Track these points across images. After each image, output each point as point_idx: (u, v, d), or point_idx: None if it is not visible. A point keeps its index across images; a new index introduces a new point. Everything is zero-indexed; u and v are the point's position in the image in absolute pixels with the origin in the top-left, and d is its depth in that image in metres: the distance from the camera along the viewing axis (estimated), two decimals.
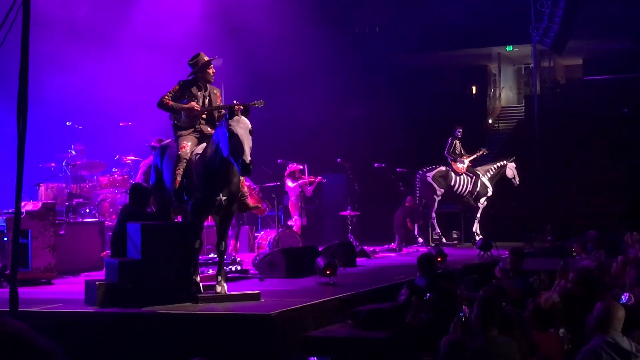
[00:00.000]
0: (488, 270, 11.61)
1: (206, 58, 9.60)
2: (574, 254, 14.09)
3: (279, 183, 15.16)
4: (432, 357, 6.28)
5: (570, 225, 19.00)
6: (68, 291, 10.45)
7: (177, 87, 9.52)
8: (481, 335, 5.63)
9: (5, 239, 11.85)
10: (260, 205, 12.55)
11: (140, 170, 13.85)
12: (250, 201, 9.83)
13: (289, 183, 16.19)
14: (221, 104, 9.75)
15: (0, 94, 12.60)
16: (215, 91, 9.77)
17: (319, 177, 16.74)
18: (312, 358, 4.72)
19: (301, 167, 16.45)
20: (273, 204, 14.70)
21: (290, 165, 16.31)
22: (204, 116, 9.54)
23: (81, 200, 14.26)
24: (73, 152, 15.52)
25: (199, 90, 9.56)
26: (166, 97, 9.42)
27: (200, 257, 9.74)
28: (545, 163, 25.04)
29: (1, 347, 1.42)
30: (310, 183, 16.44)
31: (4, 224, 11.96)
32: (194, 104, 9.42)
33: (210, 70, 9.61)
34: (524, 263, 10.25)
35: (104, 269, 10.07)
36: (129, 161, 15.71)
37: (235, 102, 9.03)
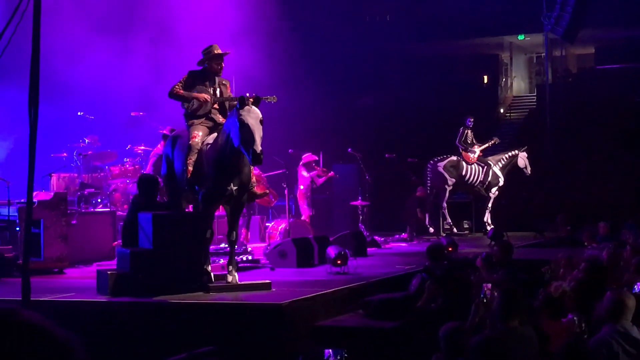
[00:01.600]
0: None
1: (217, 51, 9.61)
2: (585, 244, 14.05)
3: (287, 171, 15.13)
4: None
5: (582, 215, 18.94)
6: (80, 281, 10.50)
7: (187, 77, 9.57)
8: (501, 325, 5.63)
9: (18, 228, 11.90)
10: (267, 193, 12.54)
11: (150, 161, 13.87)
12: (258, 190, 9.84)
13: (303, 173, 16.18)
14: (231, 96, 9.78)
15: (13, 84, 12.62)
16: (224, 82, 9.81)
17: (331, 172, 16.73)
18: (327, 350, 4.71)
19: (316, 157, 16.45)
20: (283, 193, 14.71)
21: (306, 155, 16.29)
22: (216, 106, 9.57)
23: (93, 190, 14.30)
24: (85, 142, 15.56)
25: (209, 81, 9.59)
26: (177, 87, 9.46)
27: (211, 246, 9.77)
28: (556, 153, 24.96)
29: (17, 337, 1.43)
30: (320, 176, 16.42)
31: (16, 214, 12.02)
32: (205, 95, 9.45)
33: (218, 66, 9.62)
34: (512, 255, 10.18)
35: (116, 259, 10.12)
36: (140, 151, 15.73)
37: (247, 94, 9.06)
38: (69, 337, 1.52)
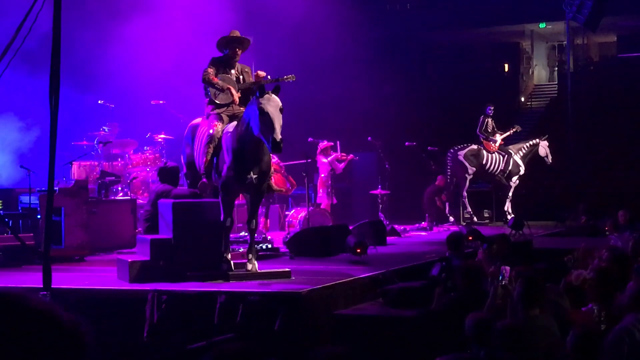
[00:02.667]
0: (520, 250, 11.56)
1: (236, 34, 9.64)
2: (607, 233, 13.97)
3: (309, 160, 15.12)
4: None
5: (603, 204, 18.81)
6: (100, 268, 10.55)
7: (212, 64, 9.61)
8: (522, 313, 5.61)
9: (39, 216, 11.97)
10: (283, 188, 12.48)
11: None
12: (275, 181, 9.82)
13: (323, 160, 16.16)
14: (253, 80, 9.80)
15: (39, 73, 12.65)
16: (246, 69, 9.82)
17: (351, 155, 16.68)
18: None
19: (332, 143, 16.41)
20: (303, 182, 14.69)
21: (322, 142, 16.27)
22: (239, 96, 9.60)
23: (113, 178, 14.35)
24: (105, 130, 15.62)
25: (230, 68, 9.62)
26: (211, 73, 9.49)
27: (231, 235, 9.78)
28: (578, 141, 24.79)
29: (25, 324, 1.43)
30: (340, 160, 16.39)
31: (38, 202, 12.09)
32: (234, 92, 9.48)
33: (239, 49, 9.64)
34: (510, 247, 10.12)
35: (136, 246, 10.16)
36: (160, 139, 15.79)
37: (268, 76, 9.08)
38: (77, 322, 1.52)
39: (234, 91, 9.50)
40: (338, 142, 16.62)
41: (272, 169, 9.54)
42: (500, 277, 6.91)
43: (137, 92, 17.35)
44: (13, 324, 1.40)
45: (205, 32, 16.04)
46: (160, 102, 16.45)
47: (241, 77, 9.67)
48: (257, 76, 9.73)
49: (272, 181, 9.52)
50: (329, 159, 16.09)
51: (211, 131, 9.19)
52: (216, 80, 9.49)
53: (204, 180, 9.55)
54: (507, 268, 6.99)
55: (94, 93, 16.37)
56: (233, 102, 9.49)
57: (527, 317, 5.58)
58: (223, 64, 9.65)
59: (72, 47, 13.90)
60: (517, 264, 7.91)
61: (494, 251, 9.68)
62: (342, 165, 16.41)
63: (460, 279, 8.14)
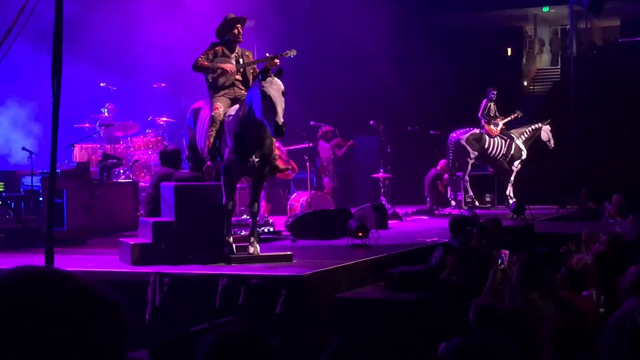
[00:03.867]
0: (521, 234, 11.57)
1: (233, 16, 9.61)
2: (608, 217, 13.98)
3: (311, 145, 15.12)
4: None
5: (605, 189, 18.81)
6: (103, 251, 10.57)
7: (209, 48, 9.58)
8: (520, 297, 5.62)
9: (41, 199, 11.98)
10: (288, 168, 12.50)
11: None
12: (280, 164, 9.84)
13: (323, 144, 16.16)
14: (254, 59, 9.80)
15: (40, 53, 12.63)
16: (247, 53, 9.80)
17: (350, 141, 16.68)
18: None
19: (333, 128, 16.41)
20: (305, 166, 14.69)
21: (322, 127, 16.27)
22: (239, 78, 9.57)
23: (115, 161, 14.36)
24: (107, 112, 15.61)
25: (231, 52, 9.60)
26: (201, 59, 9.49)
27: (233, 218, 9.79)
28: (580, 126, 24.75)
29: (69, 302, 1.43)
30: (340, 146, 16.38)
31: (40, 184, 12.10)
32: (229, 65, 9.45)
33: (236, 30, 9.60)
34: (501, 231, 10.13)
35: (138, 229, 10.18)
36: (162, 122, 15.79)
37: (267, 54, 9.06)
38: (119, 302, 1.54)
39: (226, 65, 9.45)
40: (336, 129, 16.59)
41: (276, 154, 9.54)
42: (499, 261, 6.93)
43: (139, 75, 17.31)
44: (57, 302, 1.41)
45: (210, 14, 15.98)
46: (162, 85, 16.44)
47: (241, 60, 9.64)
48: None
49: (277, 162, 9.53)
50: (330, 143, 16.10)
51: (213, 113, 9.19)
52: (205, 64, 9.47)
53: (209, 163, 9.56)
54: (506, 252, 7.00)
55: (95, 75, 16.32)
56: (230, 76, 9.45)
57: (526, 301, 5.59)
58: (222, 48, 9.62)
59: (76, 28, 13.90)
60: (518, 249, 7.94)
61: (485, 236, 9.72)
62: (342, 150, 16.42)
63: (463, 263, 8.17)
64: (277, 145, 9.61)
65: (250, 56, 9.88)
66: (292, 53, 9.61)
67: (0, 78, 15.02)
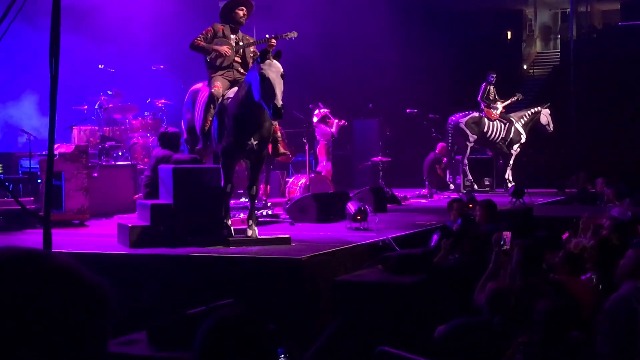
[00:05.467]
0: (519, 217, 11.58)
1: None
2: (607, 202, 13.97)
3: (310, 128, 15.09)
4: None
5: (604, 173, 18.81)
6: (101, 233, 10.57)
7: (210, 29, 9.56)
8: (521, 280, 5.62)
9: (39, 180, 11.97)
10: (288, 151, 12.49)
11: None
12: (282, 147, 9.83)
13: (322, 126, 16.12)
14: (254, 40, 9.79)
15: (34, 38, 12.58)
16: (248, 38, 9.78)
17: (343, 121, 16.62)
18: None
19: (328, 110, 16.37)
20: (303, 149, 14.67)
21: (319, 109, 16.22)
22: (238, 60, 9.55)
23: (113, 143, 14.35)
24: (107, 94, 15.57)
25: (231, 33, 9.57)
26: (198, 39, 9.48)
27: (231, 201, 9.78)
28: (580, 109, 24.72)
29: (50, 283, 1.42)
30: (326, 121, 16.28)
31: (38, 166, 12.08)
32: (226, 47, 9.42)
33: (240, 12, 9.58)
34: (495, 213, 10.13)
35: (137, 211, 10.17)
36: (160, 104, 15.76)
37: (267, 35, 9.02)
38: (101, 283, 1.52)
39: (222, 47, 9.44)
40: (328, 110, 16.53)
41: (279, 135, 9.53)
42: (501, 242, 6.92)
43: (138, 57, 17.27)
44: (37, 283, 1.40)
45: None
46: (161, 67, 16.39)
47: (241, 42, 9.63)
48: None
49: (280, 144, 9.53)
50: (332, 128, 16.06)
51: (213, 90, 9.17)
52: (202, 44, 9.46)
53: (200, 145, 9.55)
54: (509, 233, 6.99)
55: (94, 57, 16.27)
56: (227, 58, 9.44)
57: (526, 284, 5.59)
58: (223, 30, 9.60)
59: (69, 10, 13.81)
60: (516, 232, 7.92)
61: (478, 217, 9.74)
62: (335, 130, 16.34)
63: (459, 246, 8.17)
64: (277, 128, 9.58)
65: (251, 40, 9.86)
66: (293, 35, 9.58)
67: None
